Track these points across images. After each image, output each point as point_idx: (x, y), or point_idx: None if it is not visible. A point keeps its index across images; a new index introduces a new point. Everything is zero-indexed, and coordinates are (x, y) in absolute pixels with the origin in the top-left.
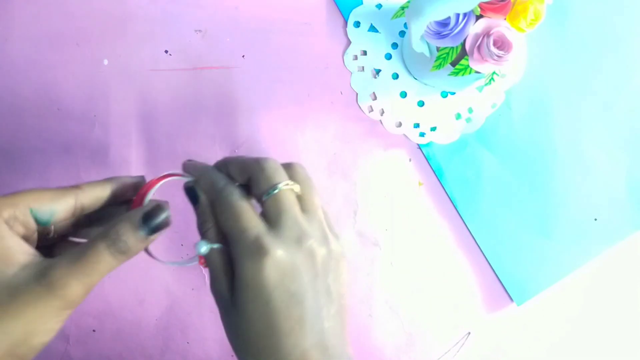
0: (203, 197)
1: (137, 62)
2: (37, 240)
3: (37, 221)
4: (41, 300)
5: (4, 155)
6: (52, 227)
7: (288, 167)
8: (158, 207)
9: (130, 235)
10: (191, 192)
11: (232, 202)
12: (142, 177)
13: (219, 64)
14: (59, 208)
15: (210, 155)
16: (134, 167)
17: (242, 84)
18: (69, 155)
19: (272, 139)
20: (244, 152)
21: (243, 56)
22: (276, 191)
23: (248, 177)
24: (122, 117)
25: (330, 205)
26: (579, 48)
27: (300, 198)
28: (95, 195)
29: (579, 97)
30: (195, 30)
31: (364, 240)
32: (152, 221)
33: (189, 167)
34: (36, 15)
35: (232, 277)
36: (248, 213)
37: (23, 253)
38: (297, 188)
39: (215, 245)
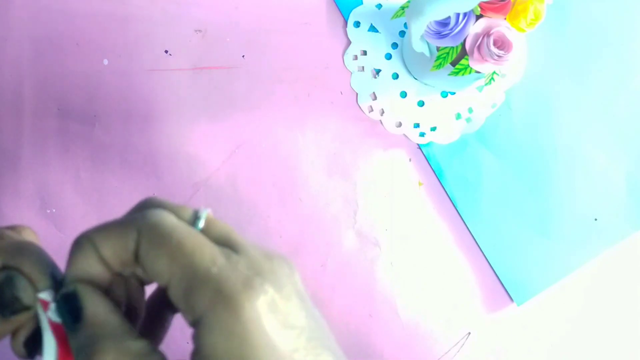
0: (91, 300)
1: (137, 62)
2: None
3: None
4: None
5: (4, 155)
6: None
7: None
8: (7, 284)
9: None
10: (71, 303)
11: (172, 225)
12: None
13: (219, 64)
14: None
15: (210, 155)
16: (134, 167)
17: (242, 84)
18: (69, 155)
19: (272, 139)
20: (243, 152)
21: (243, 56)
22: (205, 215)
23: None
24: (122, 117)
25: (330, 205)
26: (579, 48)
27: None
28: None
29: (579, 96)
30: (195, 30)
31: (364, 240)
32: (1, 299)
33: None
34: (36, 15)
35: None
36: (202, 238)
37: None
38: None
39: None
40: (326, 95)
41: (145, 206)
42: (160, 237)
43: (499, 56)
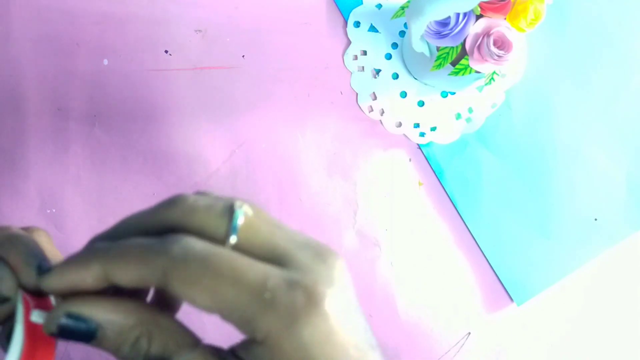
0: (103, 313)
1: (137, 62)
2: None
3: None
4: None
5: (4, 155)
6: None
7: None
8: None
9: None
10: (74, 325)
11: (208, 255)
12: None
13: (219, 64)
14: None
15: (210, 155)
16: (133, 167)
17: (242, 84)
18: (69, 155)
19: (272, 139)
20: (243, 152)
21: (243, 56)
22: (240, 219)
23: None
24: (122, 117)
25: (330, 205)
26: (579, 48)
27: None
28: None
29: (579, 96)
30: (195, 30)
31: (364, 240)
32: None
33: (51, 280)
34: (36, 15)
35: None
36: (242, 260)
37: None
38: (246, 207)
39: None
40: (326, 95)
41: (171, 210)
42: (194, 274)
43: (499, 56)
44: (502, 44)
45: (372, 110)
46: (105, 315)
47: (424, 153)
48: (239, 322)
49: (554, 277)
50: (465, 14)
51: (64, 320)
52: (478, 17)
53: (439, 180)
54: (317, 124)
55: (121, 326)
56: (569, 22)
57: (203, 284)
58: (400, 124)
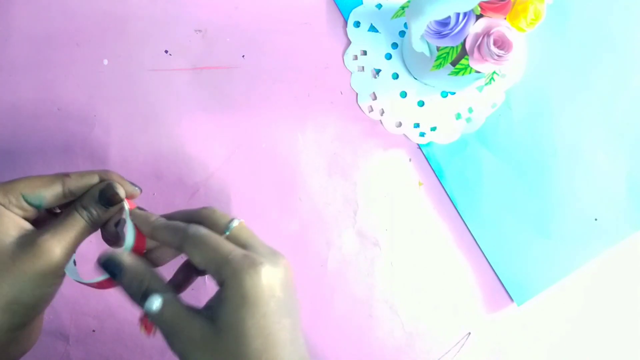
0: (128, 261)
1: (137, 62)
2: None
3: (30, 204)
4: (26, 264)
5: (4, 155)
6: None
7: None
8: (108, 186)
9: (94, 206)
10: (110, 264)
11: (206, 235)
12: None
13: (219, 64)
14: (47, 194)
15: (210, 155)
16: (134, 167)
17: (242, 84)
18: (69, 155)
19: (272, 139)
20: (243, 152)
21: (243, 56)
22: (235, 224)
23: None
24: (122, 117)
25: (330, 205)
26: (579, 48)
27: None
28: (83, 183)
29: (579, 96)
30: (195, 30)
31: (364, 240)
32: (104, 196)
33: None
34: (36, 15)
35: (200, 314)
36: (224, 241)
37: (16, 228)
38: (241, 221)
39: (168, 295)
40: (326, 95)
41: (198, 215)
42: (196, 243)
43: (499, 56)
44: (502, 44)
45: (372, 110)
46: (128, 263)
47: (424, 153)
48: (214, 272)
49: (554, 277)
50: (465, 14)
51: (108, 261)
52: (478, 17)
53: (439, 180)
54: (317, 124)
55: (135, 271)
56: (569, 22)
57: (199, 249)
58: (400, 124)
